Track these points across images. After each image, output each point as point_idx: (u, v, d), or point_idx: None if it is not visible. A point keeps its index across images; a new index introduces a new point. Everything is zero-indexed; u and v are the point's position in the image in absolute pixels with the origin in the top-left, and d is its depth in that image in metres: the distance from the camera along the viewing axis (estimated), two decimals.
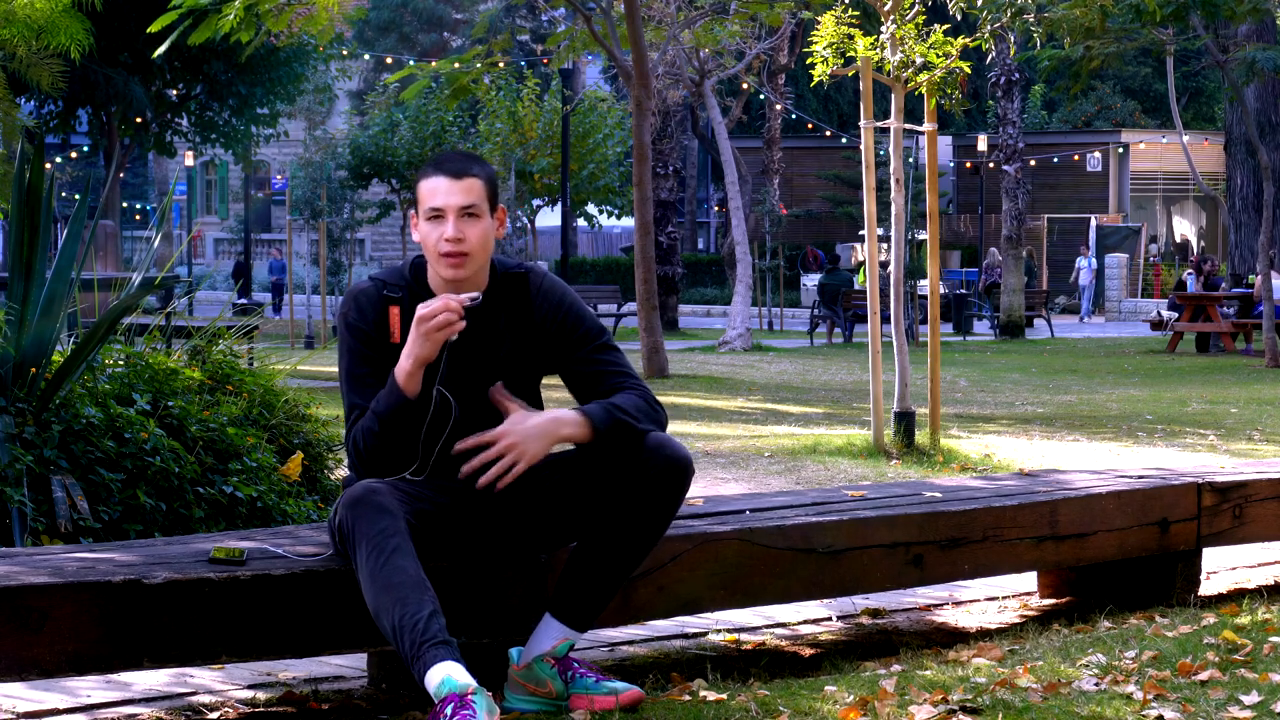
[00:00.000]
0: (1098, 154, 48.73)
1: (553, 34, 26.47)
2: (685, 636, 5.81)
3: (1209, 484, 6.44)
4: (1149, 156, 48.45)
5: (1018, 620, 6.18)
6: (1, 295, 6.48)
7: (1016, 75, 33.60)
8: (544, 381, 4.70)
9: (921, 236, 31.89)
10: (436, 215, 4.51)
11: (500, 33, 32.11)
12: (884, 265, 20.82)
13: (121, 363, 6.51)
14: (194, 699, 4.86)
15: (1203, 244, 49.35)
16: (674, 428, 11.15)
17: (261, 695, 4.90)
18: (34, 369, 6.09)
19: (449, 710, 4.01)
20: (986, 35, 12.26)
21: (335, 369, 4.66)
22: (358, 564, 4.28)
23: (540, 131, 38.55)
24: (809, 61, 11.33)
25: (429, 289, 4.55)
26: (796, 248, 47.01)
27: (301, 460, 6.54)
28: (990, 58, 16.04)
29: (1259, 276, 26.03)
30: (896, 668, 5.04)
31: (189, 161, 47.40)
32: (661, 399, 4.62)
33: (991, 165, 37.42)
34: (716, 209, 54.35)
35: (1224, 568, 7.21)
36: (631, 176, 27.01)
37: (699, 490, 5.33)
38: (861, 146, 11.61)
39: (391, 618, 4.17)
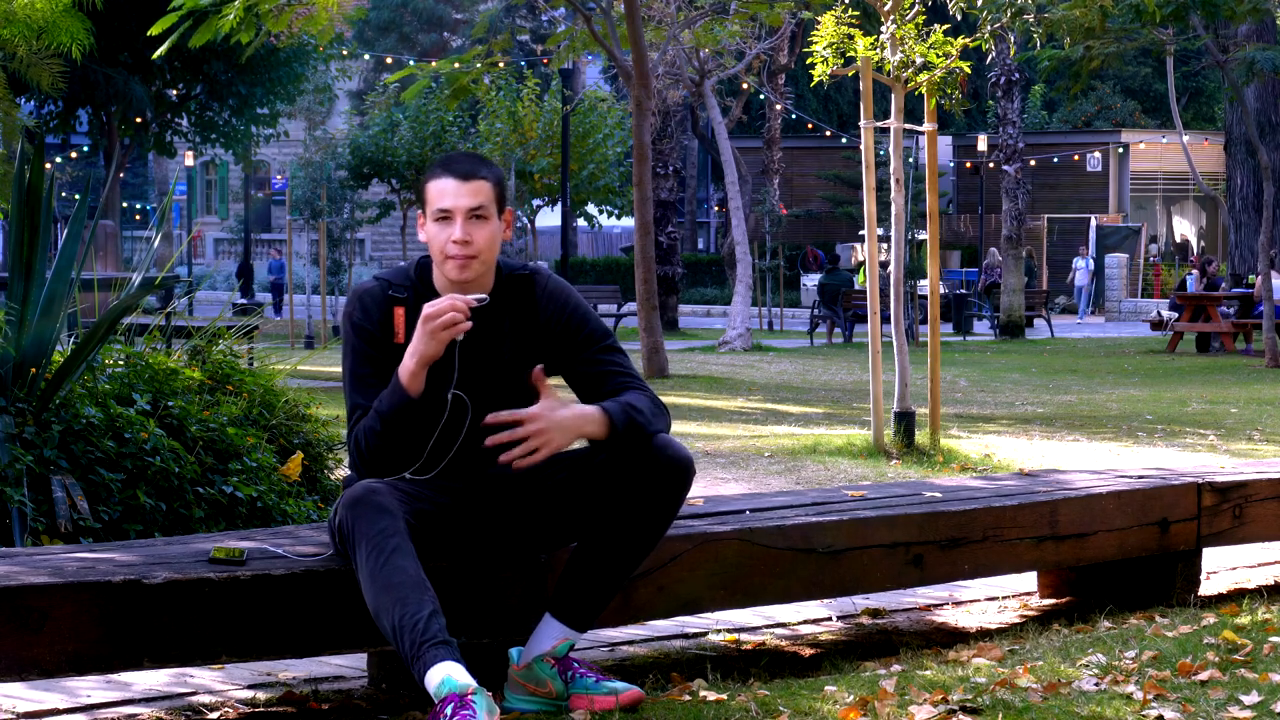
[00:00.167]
0: (1098, 154, 48.74)
1: (553, 34, 26.49)
2: (685, 636, 5.81)
3: (1209, 484, 6.44)
4: (1149, 156, 48.45)
5: (1018, 620, 6.18)
6: (1, 295, 6.48)
7: (1016, 75, 33.60)
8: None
9: (921, 236, 31.89)
10: (444, 216, 4.51)
11: (500, 33, 32.11)
12: (884, 265, 20.82)
13: (121, 363, 6.51)
14: (194, 699, 4.86)
15: (1203, 244, 49.35)
16: (674, 428, 11.13)
17: (261, 695, 4.90)
18: (34, 369, 6.09)
19: (449, 710, 4.01)
20: (986, 35, 12.26)
21: (336, 369, 4.66)
22: (358, 564, 4.28)
23: (540, 131, 38.57)
24: (809, 61, 11.33)
25: (434, 290, 4.55)
26: (796, 248, 47.01)
27: (301, 460, 6.54)
28: (990, 58, 16.04)
29: (1259, 276, 26.04)
30: (896, 668, 5.04)
31: (189, 161, 47.42)
32: (661, 399, 4.62)
33: (991, 165, 37.43)
34: (716, 209, 54.36)
35: (1224, 568, 7.21)
36: (631, 176, 27.01)
37: (699, 490, 5.33)
38: (861, 146, 11.61)
39: (391, 617, 4.17)
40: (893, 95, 11.57)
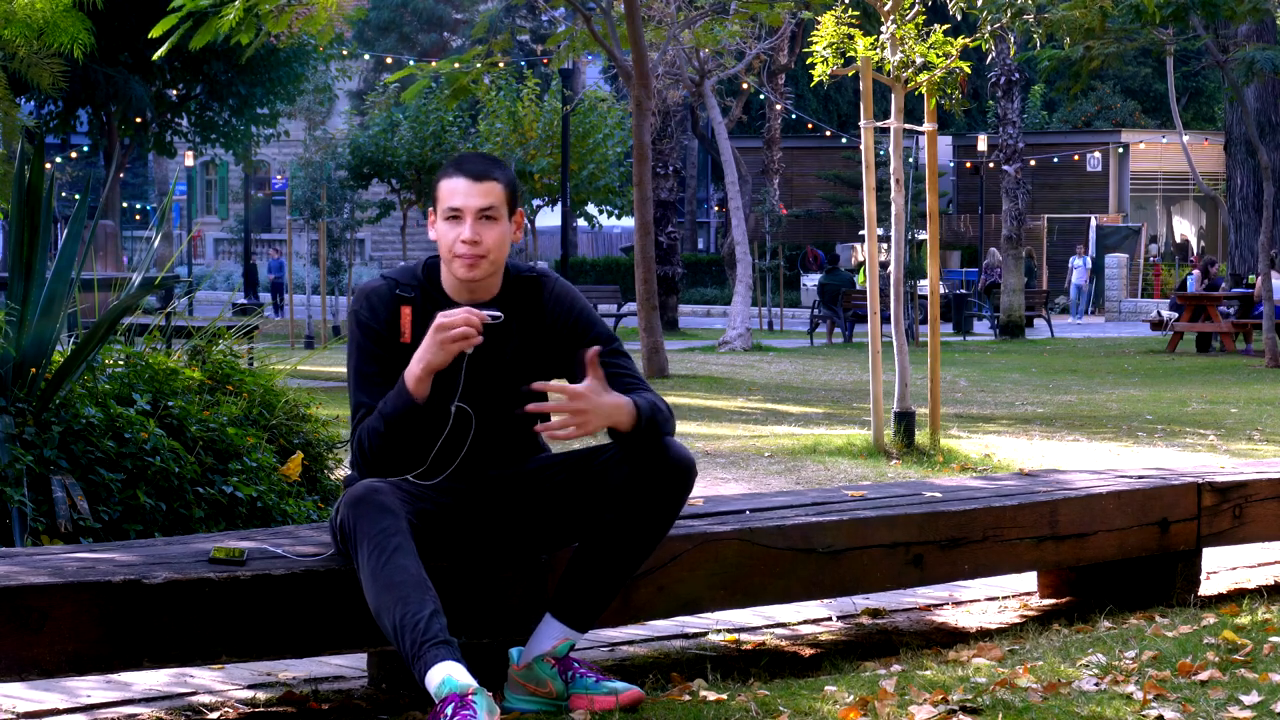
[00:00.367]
0: (1098, 154, 48.73)
1: (553, 34, 26.48)
2: (685, 636, 5.81)
3: (1209, 484, 6.44)
4: (1149, 156, 48.45)
5: (1018, 620, 6.18)
6: (1, 295, 6.48)
7: (1016, 75, 33.60)
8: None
9: (921, 236, 31.90)
10: (454, 215, 4.51)
11: (500, 33, 32.11)
12: (884, 265, 20.82)
13: (121, 363, 6.51)
14: (194, 699, 4.86)
15: (1203, 244, 49.35)
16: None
17: (261, 695, 4.90)
18: (34, 369, 6.09)
19: (449, 710, 4.01)
20: (986, 35, 12.26)
21: (336, 369, 4.68)
22: (359, 563, 4.28)
23: (540, 131, 38.57)
24: (809, 61, 11.33)
25: (441, 289, 4.56)
26: (796, 248, 47.02)
27: (301, 460, 6.54)
28: (990, 58, 16.04)
29: (1259, 276, 26.04)
30: (896, 668, 5.04)
31: (189, 161, 47.40)
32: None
33: (991, 165, 37.42)
34: (716, 209, 54.35)
35: (1224, 568, 7.21)
36: (631, 176, 27.01)
37: (699, 490, 5.33)
38: (861, 146, 11.61)
39: (392, 617, 4.17)
40: (893, 95, 11.57)
